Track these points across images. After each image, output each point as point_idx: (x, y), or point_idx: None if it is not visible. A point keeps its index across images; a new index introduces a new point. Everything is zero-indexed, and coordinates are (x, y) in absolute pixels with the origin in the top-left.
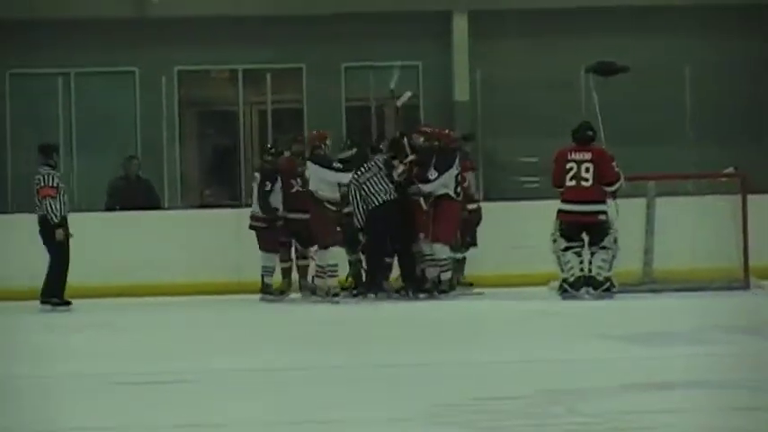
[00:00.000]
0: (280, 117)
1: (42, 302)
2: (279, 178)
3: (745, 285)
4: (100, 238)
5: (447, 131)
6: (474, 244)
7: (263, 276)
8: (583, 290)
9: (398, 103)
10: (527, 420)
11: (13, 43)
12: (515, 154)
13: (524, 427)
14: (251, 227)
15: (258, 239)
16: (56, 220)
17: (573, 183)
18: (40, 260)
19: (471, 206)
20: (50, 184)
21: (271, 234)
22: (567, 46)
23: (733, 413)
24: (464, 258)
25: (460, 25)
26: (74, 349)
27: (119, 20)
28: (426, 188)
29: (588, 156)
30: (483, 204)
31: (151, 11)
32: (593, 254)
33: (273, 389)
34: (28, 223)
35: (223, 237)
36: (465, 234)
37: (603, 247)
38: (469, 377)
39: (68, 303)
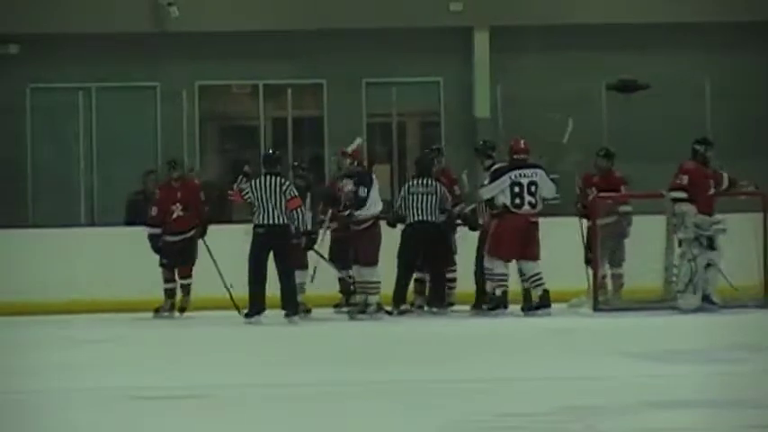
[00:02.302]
0: (300, 132)
1: (287, 315)
2: (309, 196)
3: (766, 304)
4: (119, 253)
5: (517, 141)
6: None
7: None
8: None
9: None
10: None
11: (34, 58)
12: None
13: None
14: None
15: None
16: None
17: None
18: (57, 275)
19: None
20: (294, 194)
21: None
22: (587, 62)
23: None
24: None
25: (482, 41)
26: (89, 363)
27: (140, 35)
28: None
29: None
30: None
31: (172, 26)
32: None
33: (287, 404)
34: (47, 237)
35: (243, 251)
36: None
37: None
38: (487, 393)
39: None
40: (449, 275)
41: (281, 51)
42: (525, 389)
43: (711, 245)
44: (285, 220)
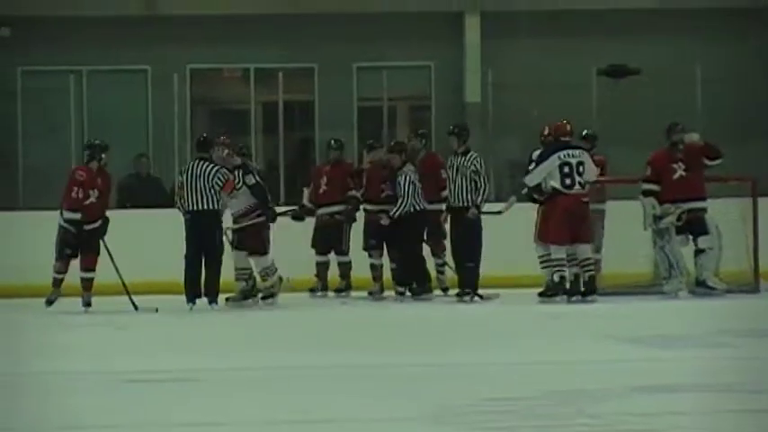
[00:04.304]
0: (291, 116)
1: (211, 302)
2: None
3: (755, 288)
4: (109, 236)
5: (562, 124)
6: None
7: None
8: None
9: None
10: (535, 421)
11: (25, 40)
12: (526, 155)
13: (532, 428)
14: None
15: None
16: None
17: None
18: (48, 257)
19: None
20: (228, 179)
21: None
22: (578, 48)
23: (741, 416)
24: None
25: (473, 26)
26: (80, 347)
27: (131, 18)
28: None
29: None
30: (494, 205)
31: (163, 9)
32: None
33: (276, 388)
34: (38, 220)
35: None
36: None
37: None
38: (477, 378)
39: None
40: (440, 260)
41: (272, 35)
42: (515, 373)
43: (691, 230)
44: (212, 206)
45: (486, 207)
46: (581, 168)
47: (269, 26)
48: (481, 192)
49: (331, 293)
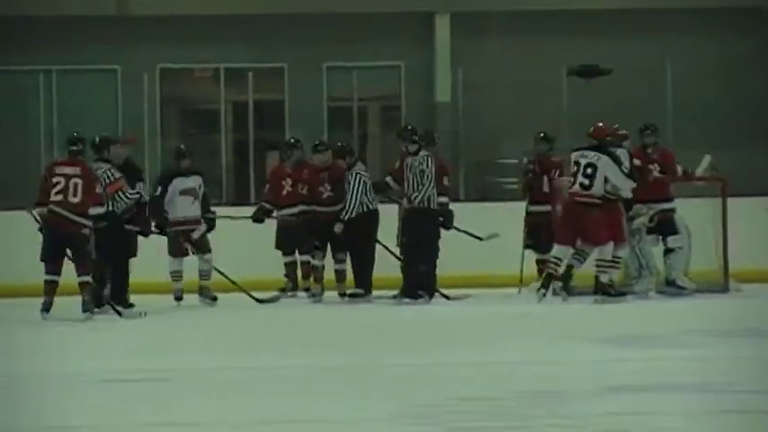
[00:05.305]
0: (261, 116)
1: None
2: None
3: (724, 288)
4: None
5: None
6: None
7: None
8: None
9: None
10: (506, 422)
11: None
12: (496, 155)
13: (503, 429)
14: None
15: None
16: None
17: None
18: (18, 258)
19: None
20: (117, 177)
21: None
22: (549, 48)
23: (712, 416)
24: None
25: (443, 26)
26: (53, 347)
27: (101, 17)
28: None
29: None
30: (462, 205)
31: (134, 9)
32: None
33: (252, 389)
34: (7, 220)
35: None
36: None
37: None
38: (449, 378)
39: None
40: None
41: (242, 35)
42: (485, 373)
43: (661, 231)
44: (109, 208)
45: (455, 206)
46: (588, 170)
47: (239, 26)
48: (422, 190)
49: (301, 293)
